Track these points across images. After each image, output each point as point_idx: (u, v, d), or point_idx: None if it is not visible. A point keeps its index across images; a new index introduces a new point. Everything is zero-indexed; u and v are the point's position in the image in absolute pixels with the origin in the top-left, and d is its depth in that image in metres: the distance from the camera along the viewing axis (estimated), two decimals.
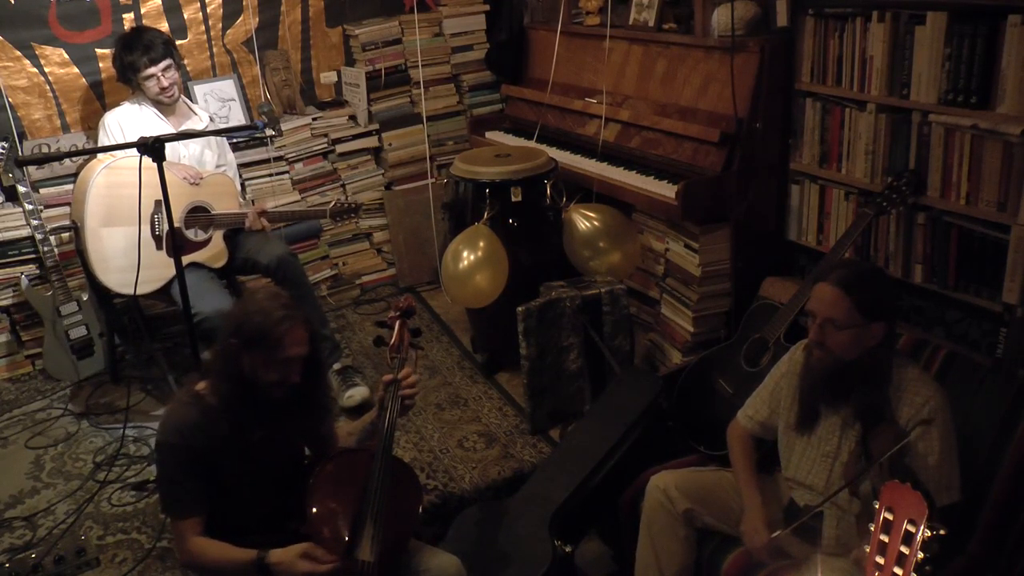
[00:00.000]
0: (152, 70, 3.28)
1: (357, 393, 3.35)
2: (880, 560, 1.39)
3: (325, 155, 4.27)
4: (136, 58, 3.26)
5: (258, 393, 1.96)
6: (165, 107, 3.41)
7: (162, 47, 3.30)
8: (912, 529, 1.36)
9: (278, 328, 1.91)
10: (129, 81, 3.37)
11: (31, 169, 3.58)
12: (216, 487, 2.01)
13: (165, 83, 3.32)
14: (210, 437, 1.97)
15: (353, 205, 3.44)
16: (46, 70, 3.69)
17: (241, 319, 1.96)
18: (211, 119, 3.67)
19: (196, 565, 2.02)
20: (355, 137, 4.29)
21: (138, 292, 3.15)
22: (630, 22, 3.58)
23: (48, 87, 3.71)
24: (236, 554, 1.95)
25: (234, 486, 2.03)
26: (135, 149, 2.40)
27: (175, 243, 2.53)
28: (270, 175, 4.11)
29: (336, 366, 3.44)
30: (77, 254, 3.42)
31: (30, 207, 3.49)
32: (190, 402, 2.02)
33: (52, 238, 3.55)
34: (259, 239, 3.40)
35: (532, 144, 3.79)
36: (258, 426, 1.99)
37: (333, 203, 3.41)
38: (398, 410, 2.12)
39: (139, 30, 3.39)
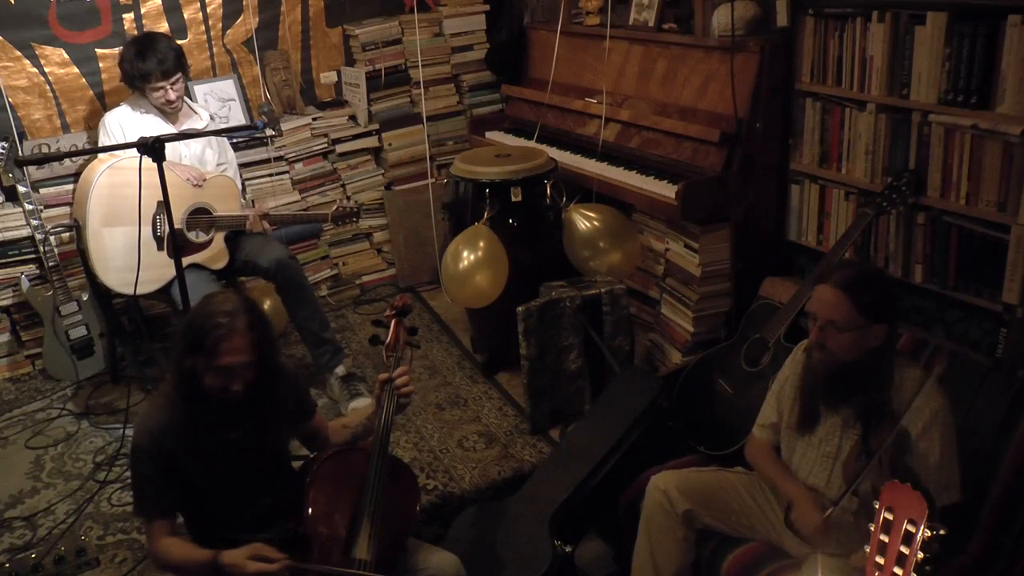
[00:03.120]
0: (163, 83, 3.28)
1: (361, 404, 3.28)
2: (880, 560, 1.39)
3: (325, 155, 4.27)
4: (149, 69, 3.25)
5: (208, 397, 1.94)
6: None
7: (174, 60, 3.29)
8: (912, 529, 1.36)
9: (213, 335, 1.88)
10: (135, 86, 3.37)
11: (31, 169, 3.58)
12: (197, 488, 2.01)
13: (172, 96, 3.32)
14: (180, 438, 1.96)
15: (354, 209, 3.44)
16: (46, 70, 3.69)
17: (187, 323, 1.96)
18: (211, 117, 3.67)
19: (164, 565, 2.03)
20: (355, 137, 4.29)
21: (138, 292, 3.15)
22: (630, 22, 3.57)
23: (48, 87, 3.71)
24: (196, 555, 1.95)
25: (217, 486, 2.02)
26: (135, 149, 2.41)
27: (176, 244, 2.53)
28: (270, 175, 4.11)
29: (339, 371, 3.41)
30: (78, 253, 3.42)
31: (30, 207, 3.49)
32: (162, 403, 2.02)
33: (52, 238, 3.55)
34: (259, 241, 3.40)
35: (532, 144, 3.78)
36: (228, 427, 1.98)
37: (335, 207, 3.41)
38: (394, 408, 2.12)
39: (152, 38, 3.35)
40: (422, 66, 4.30)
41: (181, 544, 1.98)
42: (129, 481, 2.98)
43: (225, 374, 1.90)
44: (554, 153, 3.58)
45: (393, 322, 2.27)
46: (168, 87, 3.30)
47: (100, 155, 3.34)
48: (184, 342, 1.93)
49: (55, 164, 3.64)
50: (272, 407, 2.04)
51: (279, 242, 3.51)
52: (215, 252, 3.35)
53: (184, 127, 3.45)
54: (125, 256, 3.15)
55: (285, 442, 2.24)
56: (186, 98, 3.55)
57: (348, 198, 4.25)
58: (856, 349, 1.95)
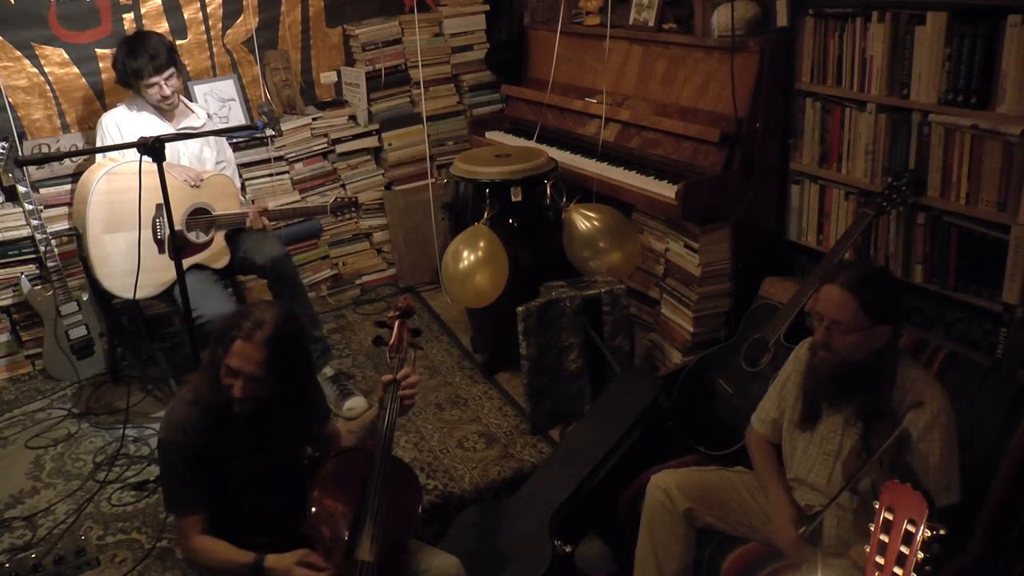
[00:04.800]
0: (156, 79, 3.27)
1: (357, 404, 3.29)
2: (880, 560, 1.39)
3: (325, 155, 4.27)
4: (141, 66, 3.24)
5: (225, 394, 1.95)
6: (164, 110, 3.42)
7: (166, 55, 3.28)
8: (912, 529, 1.36)
9: (232, 332, 1.94)
10: (129, 86, 3.36)
11: (31, 169, 3.58)
12: (217, 487, 2.02)
13: (167, 91, 3.31)
14: (207, 436, 1.98)
15: (353, 199, 3.45)
16: (46, 70, 3.69)
17: (229, 314, 2.04)
18: (208, 116, 3.66)
19: (196, 563, 2.04)
20: (355, 137, 4.29)
21: (142, 296, 3.16)
22: (630, 22, 3.57)
23: (48, 87, 3.71)
24: (235, 555, 1.96)
25: (233, 487, 2.03)
26: (135, 149, 2.41)
27: (176, 246, 2.53)
28: (270, 175, 4.11)
29: (327, 372, 3.41)
30: (79, 260, 3.42)
31: (30, 207, 3.49)
32: (191, 400, 2.03)
33: (52, 239, 3.55)
34: (257, 238, 3.40)
35: (532, 144, 3.78)
36: (245, 430, 1.99)
37: (333, 198, 3.42)
38: (397, 410, 2.12)
39: (143, 36, 3.36)
40: (422, 66, 4.30)
41: (219, 543, 1.98)
42: (130, 481, 3.02)
43: (231, 373, 1.94)
44: (554, 153, 3.58)
45: (397, 323, 2.26)
46: (162, 82, 3.29)
47: (97, 160, 3.33)
48: (217, 331, 2.00)
49: (55, 164, 3.64)
50: (290, 421, 2.05)
51: (277, 240, 3.51)
52: (216, 251, 3.35)
53: (181, 126, 3.45)
54: (128, 261, 3.13)
55: (301, 449, 2.25)
56: (183, 98, 3.55)
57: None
58: (861, 349, 1.95)
